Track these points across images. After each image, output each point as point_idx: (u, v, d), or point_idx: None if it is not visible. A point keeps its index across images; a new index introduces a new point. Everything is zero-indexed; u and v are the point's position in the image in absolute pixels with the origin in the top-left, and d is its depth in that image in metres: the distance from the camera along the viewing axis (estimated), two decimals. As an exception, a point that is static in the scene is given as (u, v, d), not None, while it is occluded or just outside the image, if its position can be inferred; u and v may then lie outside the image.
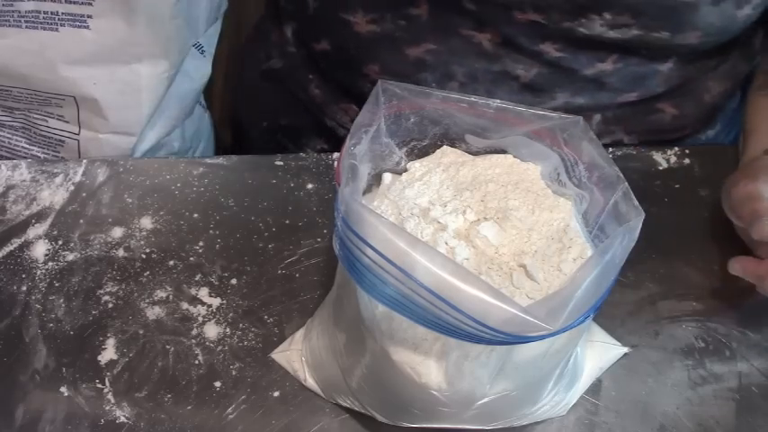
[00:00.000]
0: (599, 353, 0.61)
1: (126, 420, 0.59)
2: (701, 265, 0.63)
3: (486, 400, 0.50)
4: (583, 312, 0.43)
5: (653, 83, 0.77)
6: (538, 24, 0.69)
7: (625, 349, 0.62)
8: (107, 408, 0.59)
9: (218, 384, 0.61)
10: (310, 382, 0.60)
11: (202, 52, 0.84)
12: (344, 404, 0.58)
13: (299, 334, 0.62)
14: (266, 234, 0.69)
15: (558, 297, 0.43)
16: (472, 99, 0.51)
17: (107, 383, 0.60)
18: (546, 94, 0.76)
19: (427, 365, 0.49)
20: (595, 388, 0.61)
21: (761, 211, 0.57)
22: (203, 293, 0.65)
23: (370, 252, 0.43)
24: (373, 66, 0.78)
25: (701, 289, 0.66)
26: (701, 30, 0.69)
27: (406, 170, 0.53)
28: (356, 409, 0.58)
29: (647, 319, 0.65)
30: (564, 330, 0.42)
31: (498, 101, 0.51)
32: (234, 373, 0.61)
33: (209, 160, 0.74)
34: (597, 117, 0.79)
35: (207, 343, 0.63)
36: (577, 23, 0.69)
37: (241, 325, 0.64)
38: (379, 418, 0.56)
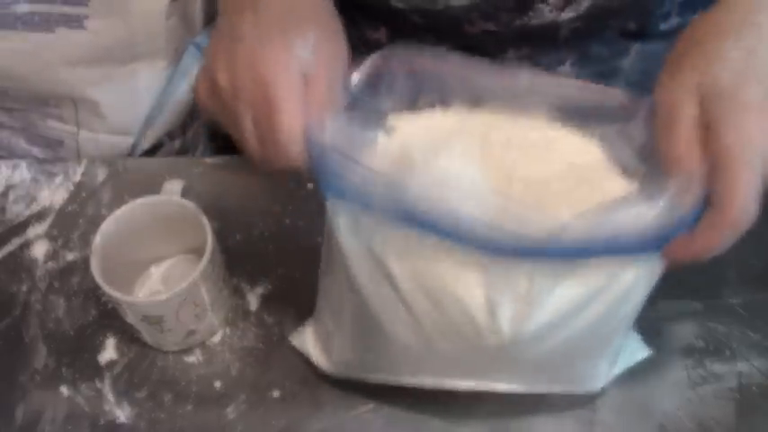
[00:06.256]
0: (631, 348, 0.60)
1: (126, 420, 0.59)
2: (702, 264, 0.62)
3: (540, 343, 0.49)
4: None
5: (614, 82, 0.76)
6: (492, 32, 0.69)
7: (648, 351, 0.60)
8: (107, 408, 0.59)
9: (218, 384, 0.61)
10: (322, 362, 0.58)
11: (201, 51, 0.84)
12: (355, 377, 0.57)
13: (313, 318, 0.61)
14: (266, 234, 0.68)
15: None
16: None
17: (107, 383, 0.61)
18: None
19: (468, 281, 0.46)
20: (595, 388, 0.61)
21: (675, 150, 0.47)
22: (203, 293, 0.65)
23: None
24: None
25: (701, 289, 0.66)
26: None
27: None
28: (369, 380, 0.56)
29: (647, 318, 0.64)
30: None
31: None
32: (234, 373, 0.61)
33: (209, 160, 0.74)
34: None
35: (207, 343, 0.63)
36: (527, 18, 0.68)
37: (241, 325, 0.64)
38: (393, 379, 0.55)
